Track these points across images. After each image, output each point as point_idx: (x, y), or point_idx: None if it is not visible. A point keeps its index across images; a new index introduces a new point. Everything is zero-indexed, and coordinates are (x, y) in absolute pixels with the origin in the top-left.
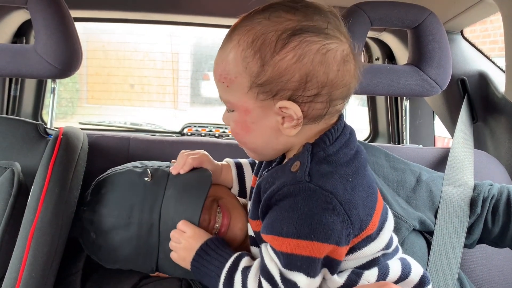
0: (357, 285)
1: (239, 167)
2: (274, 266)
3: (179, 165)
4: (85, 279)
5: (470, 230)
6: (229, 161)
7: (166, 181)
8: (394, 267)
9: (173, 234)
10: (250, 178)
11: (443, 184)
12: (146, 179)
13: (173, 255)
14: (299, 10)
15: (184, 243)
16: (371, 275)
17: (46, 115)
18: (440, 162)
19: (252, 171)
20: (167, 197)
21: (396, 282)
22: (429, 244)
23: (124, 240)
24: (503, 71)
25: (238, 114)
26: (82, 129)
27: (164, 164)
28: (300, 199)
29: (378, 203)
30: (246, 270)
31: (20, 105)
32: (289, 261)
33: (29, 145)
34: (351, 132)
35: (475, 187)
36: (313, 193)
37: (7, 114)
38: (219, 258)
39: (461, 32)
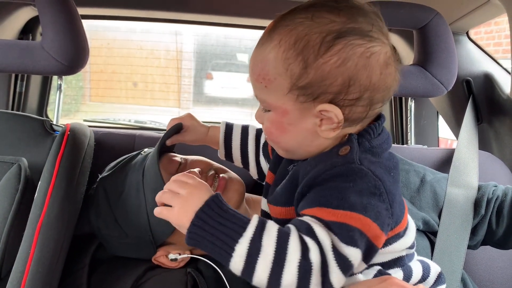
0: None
1: (228, 132)
2: (324, 232)
3: None
4: (91, 273)
5: (474, 231)
6: (222, 123)
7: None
8: (416, 269)
9: (166, 189)
10: (238, 144)
11: (447, 185)
12: (141, 153)
13: (155, 211)
14: (343, 11)
15: (181, 201)
16: (397, 276)
17: (51, 112)
18: (445, 163)
19: (244, 138)
20: (149, 157)
21: (418, 283)
22: (432, 245)
23: (120, 200)
24: (509, 73)
25: (275, 114)
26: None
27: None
28: (351, 179)
29: (405, 202)
30: (285, 228)
31: (25, 101)
32: (343, 231)
33: (36, 141)
34: (389, 134)
35: (479, 188)
36: (365, 175)
37: (12, 110)
38: (233, 218)
39: (467, 33)
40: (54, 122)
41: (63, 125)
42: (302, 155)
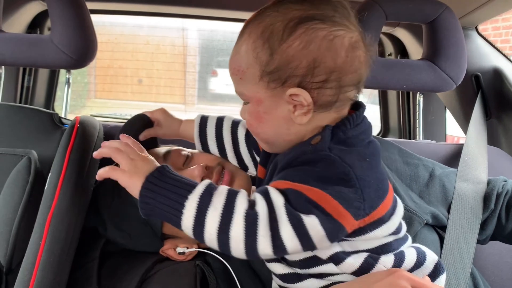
0: (373, 269)
1: (202, 125)
2: (278, 194)
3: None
4: (101, 266)
5: (483, 225)
6: (197, 116)
7: None
8: (410, 254)
9: (110, 143)
10: (213, 136)
11: (456, 179)
12: None
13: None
14: (307, 1)
15: (130, 164)
16: (388, 260)
17: (58, 107)
18: (453, 158)
19: (218, 129)
20: None
21: (412, 269)
22: (441, 239)
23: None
24: None
25: (251, 105)
26: None
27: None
28: (319, 165)
29: (390, 189)
30: (231, 190)
31: (33, 96)
32: (295, 197)
33: (45, 134)
34: (370, 124)
35: (488, 183)
36: (333, 162)
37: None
38: (184, 181)
39: (476, 27)
40: (63, 116)
41: (72, 119)
42: (283, 145)
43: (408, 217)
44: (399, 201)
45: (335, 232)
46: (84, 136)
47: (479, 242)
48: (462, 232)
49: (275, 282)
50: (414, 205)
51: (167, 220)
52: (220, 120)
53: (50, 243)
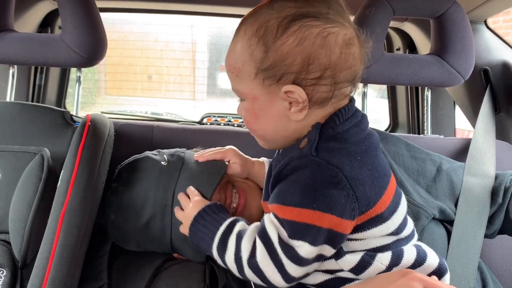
0: (371, 266)
1: None
2: (273, 229)
3: (200, 155)
4: (112, 261)
5: (491, 219)
6: (264, 159)
7: (181, 165)
8: (409, 252)
9: (180, 195)
10: None
11: (464, 174)
12: (162, 163)
13: (181, 227)
14: None
15: (186, 211)
16: (384, 257)
17: (69, 104)
18: (461, 152)
19: None
20: (182, 179)
21: (411, 267)
22: (449, 234)
23: (141, 220)
24: None
25: (248, 102)
26: None
27: (180, 150)
28: (305, 172)
29: (390, 185)
30: (241, 233)
31: (44, 94)
32: (291, 227)
33: (57, 132)
34: (363, 115)
35: (496, 177)
36: (319, 166)
37: (32, 102)
38: (213, 222)
39: (485, 21)
40: (74, 114)
41: (83, 117)
42: (280, 142)
43: (416, 212)
44: (403, 200)
45: (337, 240)
46: (95, 134)
47: (486, 236)
48: (469, 226)
49: None
50: (422, 199)
51: (203, 247)
52: None
53: (63, 238)
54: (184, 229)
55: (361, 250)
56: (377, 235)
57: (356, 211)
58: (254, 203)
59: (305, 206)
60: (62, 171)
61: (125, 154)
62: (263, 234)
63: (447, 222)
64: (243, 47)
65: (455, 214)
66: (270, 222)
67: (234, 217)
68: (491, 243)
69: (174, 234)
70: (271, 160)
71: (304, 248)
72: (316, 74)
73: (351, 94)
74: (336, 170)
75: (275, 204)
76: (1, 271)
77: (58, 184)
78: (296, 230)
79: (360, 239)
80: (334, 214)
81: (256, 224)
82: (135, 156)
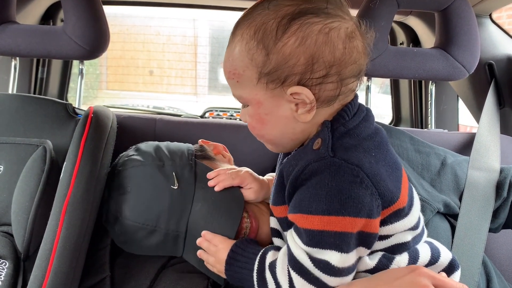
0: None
1: None
2: (301, 252)
3: (215, 181)
4: (114, 254)
5: (495, 213)
6: (273, 175)
7: (194, 191)
8: (424, 252)
9: (201, 242)
10: None
11: (468, 167)
12: (172, 186)
13: (207, 265)
14: None
15: (213, 257)
16: (402, 260)
17: (71, 98)
18: (465, 146)
19: None
20: (195, 212)
21: (426, 266)
22: (453, 228)
23: (149, 242)
24: None
25: (252, 108)
26: None
27: (185, 148)
28: (326, 175)
29: (403, 178)
30: (273, 264)
31: (46, 87)
32: (320, 239)
33: (59, 124)
34: (368, 109)
35: (501, 171)
36: (339, 167)
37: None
38: (247, 261)
39: (490, 15)
40: (76, 106)
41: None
42: (290, 144)
43: (420, 206)
44: (415, 193)
45: (369, 240)
46: (98, 126)
47: (491, 230)
48: (474, 220)
49: None
50: (426, 193)
51: (245, 286)
52: None
53: (66, 230)
54: (218, 272)
55: (381, 250)
56: (399, 230)
57: (380, 207)
58: (265, 228)
59: (333, 213)
60: (65, 163)
61: (128, 147)
62: (294, 262)
63: (451, 216)
64: (242, 52)
65: (459, 208)
66: (295, 245)
67: (263, 249)
68: (495, 238)
69: (186, 256)
70: None
71: (336, 259)
72: (322, 72)
73: (357, 89)
74: (357, 169)
75: (299, 214)
76: (4, 263)
77: (61, 176)
78: (326, 239)
79: (383, 237)
80: (363, 217)
81: (284, 251)
82: (135, 158)
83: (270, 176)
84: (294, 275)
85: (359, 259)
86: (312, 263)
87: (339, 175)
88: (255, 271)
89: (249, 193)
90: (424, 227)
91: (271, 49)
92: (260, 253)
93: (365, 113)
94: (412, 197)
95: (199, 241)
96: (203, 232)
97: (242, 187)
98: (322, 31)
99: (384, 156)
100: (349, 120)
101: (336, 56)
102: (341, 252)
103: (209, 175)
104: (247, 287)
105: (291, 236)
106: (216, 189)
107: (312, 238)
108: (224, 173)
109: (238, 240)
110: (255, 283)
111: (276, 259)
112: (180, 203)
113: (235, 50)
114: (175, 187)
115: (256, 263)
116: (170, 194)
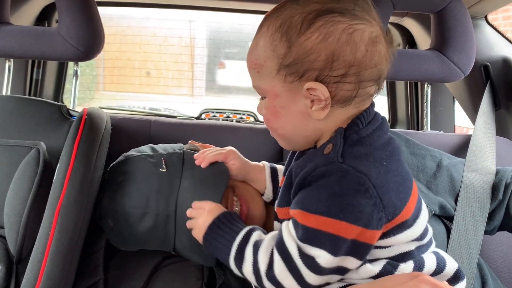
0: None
1: (273, 170)
2: (292, 241)
3: (201, 158)
4: (108, 257)
5: (491, 215)
6: (264, 163)
7: (181, 172)
8: (429, 260)
9: (190, 212)
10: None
11: (464, 169)
12: (161, 169)
13: (193, 232)
14: None
15: (200, 218)
16: (406, 268)
17: (67, 99)
18: (461, 148)
19: None
20: (183, 189)
21: (431, 275)
22: (448, 230)
23: (141, 228)
24: None
25: (268, 99)
26: None
27: (176, 147)
28: (332, 179)
29: (413, 190)
30: (258, 243)
31: (42, 88)
32: (312, 236)
33: (53, 126)
34: (383, 118)
35: (497, 173)
36: (346, 173)
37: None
38: (230, 232)
39: (485, 17)
40: (71, 108)
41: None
42: (301, 142)
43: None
44: (424, 205)
45: (362, 251)
46: (91, 128)
47: (486, 232)
48: (469, 222)
49: None
50: (422, 195)
51: (219, 257)
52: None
53: (59, 233)
54: (197, 236)
55: (384, 258)
56: (402, 242)
57: (382, 220)
58: (256, 211)
59: (331, 216)
60: (58, 165)
61: (122, 149)
62: (281, 247)
63: (446, 218)
64: (265, 43)
65: (455, 210)
66: (287, 233)
67: (251, 226)
68: (491, 240)
69: (178, 241)
70: (272, 164)
71: (323, 258)
72: (340, 71)
73: (375, 95)
74: (364, 178)
75: (299, 209)
76: None
77: (54, 178)
78: (318, 238)
79: (385, 247)
80: (360, 225)
81: (272, 234)
82: (129, 154)
83: (261, 164)
84: (277, 258)
85: (344, 270)
86: (299, 254)
87: (345, 181)
88: (236, 244)
89: (232, 169)
90: (433, 239)
91: (294, 41)
92: (248, 228)
93: (380, 122)
94: (419, 208)
95: (189, 211)
96: (193, 203)
97: (226, 163)
98: (346, 31)
99: (396, 166)
100: (363, 128)
101: (356, 57)
102: (330, 253)
103: (196, 156)
104: (219, 257)
105: (286, 226)
106: (203, 165)
107: (306, 234)
108: (209, 150)
109: (228, 211)
110: (232, 255)
111: (262, 239)
112: (168, 182)
113: (259, 41)
114: (163, 170)
115: (241, 236)
116: (158, 177)
